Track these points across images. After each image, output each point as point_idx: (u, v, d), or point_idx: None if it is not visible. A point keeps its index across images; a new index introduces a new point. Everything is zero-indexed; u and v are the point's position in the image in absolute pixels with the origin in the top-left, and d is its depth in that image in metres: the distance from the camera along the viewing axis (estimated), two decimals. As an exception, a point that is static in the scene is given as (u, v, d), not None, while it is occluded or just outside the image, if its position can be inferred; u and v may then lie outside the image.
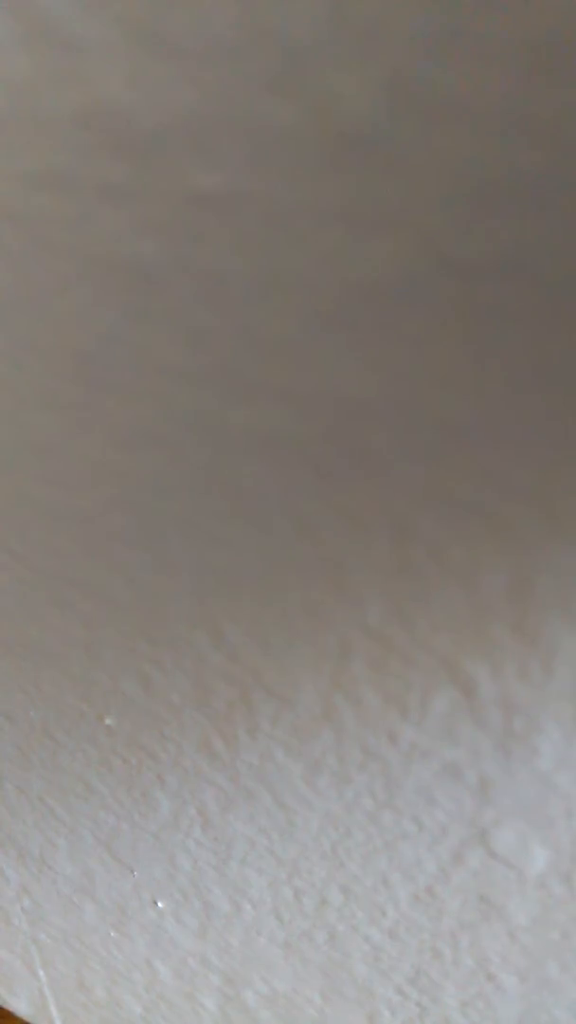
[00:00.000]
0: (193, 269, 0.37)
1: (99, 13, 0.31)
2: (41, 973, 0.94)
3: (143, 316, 0.39)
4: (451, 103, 0.29)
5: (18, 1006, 1.01)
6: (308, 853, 0.61)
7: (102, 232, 0.37)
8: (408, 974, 0.65)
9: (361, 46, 0.29)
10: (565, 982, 0.59)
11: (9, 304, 0.42)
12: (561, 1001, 0.60)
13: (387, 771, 0.53)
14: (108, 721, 0.62)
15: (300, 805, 0.58)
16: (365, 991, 0.69)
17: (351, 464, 0.40)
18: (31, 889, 0.84)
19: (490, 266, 0.32)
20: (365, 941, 0.65)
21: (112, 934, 0.82)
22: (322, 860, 0.61)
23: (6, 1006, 1.02)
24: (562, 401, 0.35)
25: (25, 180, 0.37)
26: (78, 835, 0.74)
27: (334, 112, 0.30)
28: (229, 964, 0.76)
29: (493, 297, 0.33)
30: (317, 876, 0.63)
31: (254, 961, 0.74)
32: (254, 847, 0.64)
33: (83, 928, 0.84)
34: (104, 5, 0.31)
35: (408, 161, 0.31)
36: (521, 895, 0.55)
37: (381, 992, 0.68)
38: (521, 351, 0.34)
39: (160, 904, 0.75)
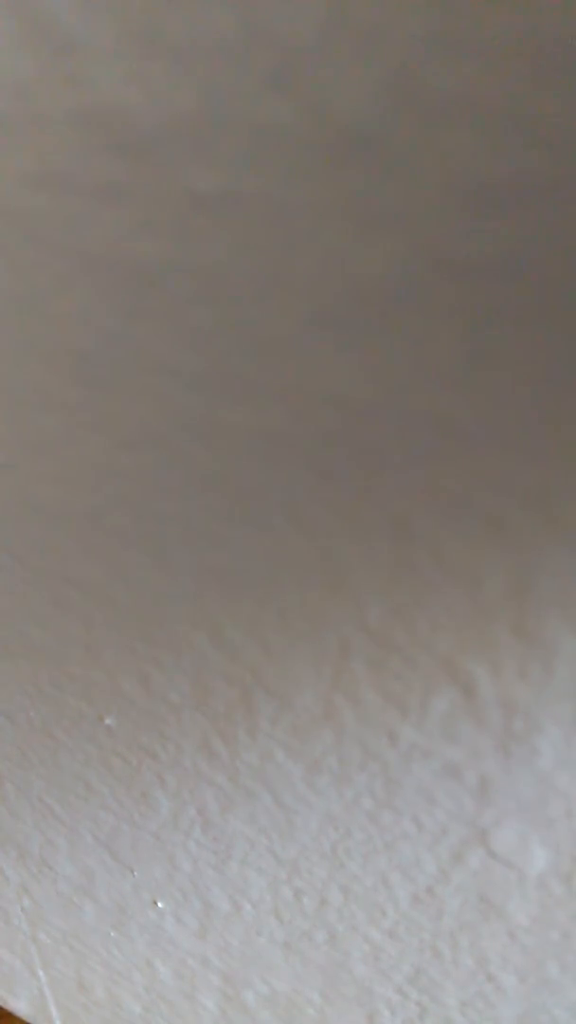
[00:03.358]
0: (193, 269, 0.37)
1: (99, 13, 0.31)
2: (41, 973, 0.94)
3: (142, 316, 0.39)
4: (451, 103, 0.29)
5: (18, 1006, 1.01)
6: (308, 853, 0.61)
7: (102, 232, 0.37)
8: (408, 974, 0.65)
9: (361, 46, 0.29)
10: (565, 982, 0.59)
11: (9, 304, 0.42)
12: (561, 1001, 0.60)
13: (387, 771, 0.53)
14: (108, 721, 0.62)
15: (300, 805, 0.58)
16: (365, 991, 0.69)
17: (351, 464, 0.40)
18: (31, 889, 0.84)
19: (490, 266, 0.32)
20: (365, 941, 0.65)
21: (112, 934, 0.82)
22: (322, 860, 0.61)
23: (6, 1006, 1.02)
24: (562, 401, 0.35)
25: (25, 180, 0.37)
26: (78, 835, 0.74)
27: (334, 112, 0.30)
28: (229, 964, 0.76)
29: (492, 297, 0.33)
30: (317, 876, 0.63)
31: (254, 961, 0.74)
32: (254, 847, 0.64)
33: (83, 928, 0.84)
34: (104, 5, 0.31)
35: (408, 161, 0.31)
36: (521, 895, 0.55)
37: (381, 992, 0.68)
38: (521, 351, 0.34)
39: (160, 904, 0.75)
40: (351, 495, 0.41)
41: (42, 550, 0.53)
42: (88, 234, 0.37)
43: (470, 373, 0.35)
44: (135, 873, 0.73)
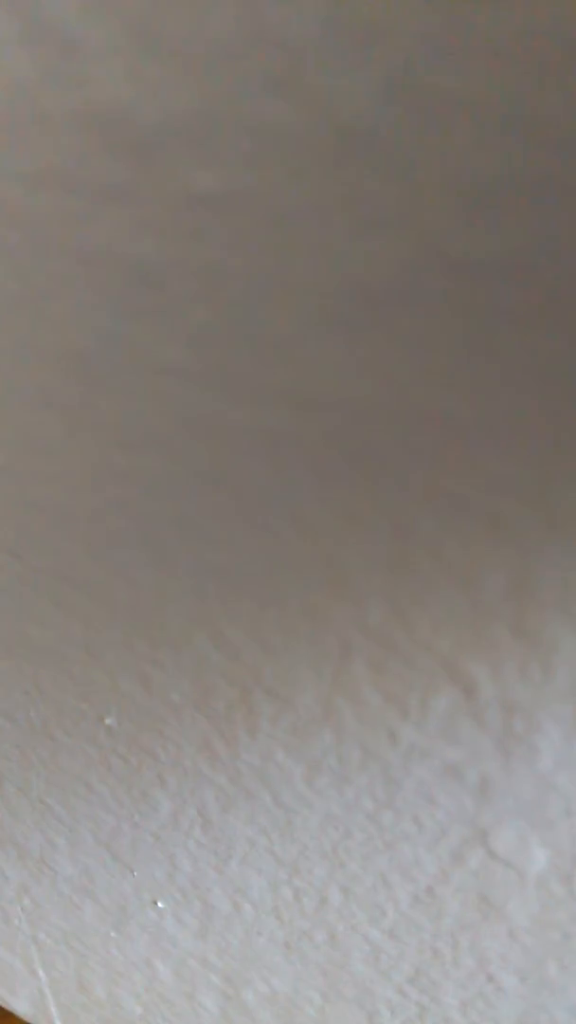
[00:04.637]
0: (193, 269, 0.37)
1: (99, 13, 0.31)
2: (41, 973, 0.94)
3: (143, 316, 0.39)
4: (451, 103, 0.29)
5: (18, 1006, 1.01)
6: (308, 853, 0.61)
7: (102, 232, 0.37)
8: (408, 974, 0.65)
9: (361, 46, 0.29)
10: (565, 982, 0.59)
11: (9, 304, 0.42)
12: (561, 1001, 0.60)
13: (387, 771, 0.53)
14: (108, 721, 0.62)
15: (300, 805, 0.58)
16: (365, 991, 0.69)
17: (351, 464, 0.40)
18: (31, 889, 0.84)
19: (490, 266, 0.32)
20: (365, 941, 0.65)
21: (112, 934, 0.82)
22: (322, 860, 0.61)
23: (6, 1006, 1.02)
24: (562, 401, 0.35)
25: (25, 180, 0.37)
26: (78, 835, 0.74)
27: (334, 112, 0.30)
28: (229, 964, 0.76)
29: (493, 297, 0.33)
30: (317, 876, 0.63)
31: (254, 961, 0.74)
32: (254, 847, 0.64)
33: (83, 928, 0.84)
34: (104, 5, 0.31)
35: (408, 161, 0.31)
36: (521, 895, 0.55)
37: (381, 992, 0.68)
38: (521, 351, 0.34)
39: (160, 904, 0.75)
40: (351, 495, 0.41)
41: (42, 550, 0.53)
42: (88, 234, 0.37)
43: (470, 373, 0.35)
44: (135, 873, 0.73)
